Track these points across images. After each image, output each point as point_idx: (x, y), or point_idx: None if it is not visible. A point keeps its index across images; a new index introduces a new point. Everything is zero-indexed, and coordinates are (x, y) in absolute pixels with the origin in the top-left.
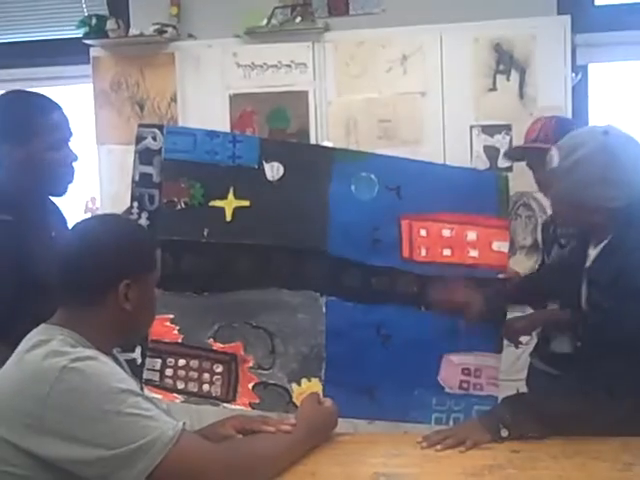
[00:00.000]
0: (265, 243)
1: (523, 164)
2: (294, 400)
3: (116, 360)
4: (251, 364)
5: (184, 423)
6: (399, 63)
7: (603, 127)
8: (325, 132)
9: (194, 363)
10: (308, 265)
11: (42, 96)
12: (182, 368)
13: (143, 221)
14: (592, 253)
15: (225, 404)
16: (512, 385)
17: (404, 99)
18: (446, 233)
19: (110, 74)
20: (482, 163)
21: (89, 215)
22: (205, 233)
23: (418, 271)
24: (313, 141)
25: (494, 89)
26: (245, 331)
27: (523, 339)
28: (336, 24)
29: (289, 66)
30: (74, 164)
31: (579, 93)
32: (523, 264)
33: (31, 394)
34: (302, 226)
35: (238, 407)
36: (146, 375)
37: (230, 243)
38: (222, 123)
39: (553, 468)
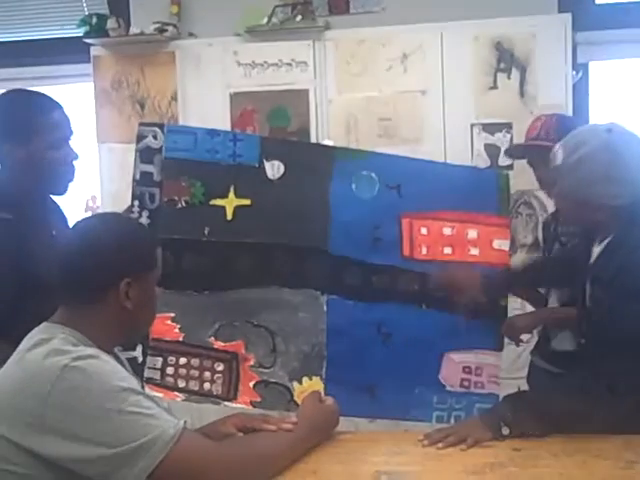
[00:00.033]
0: (266, 242)
1: (524, 162)
2: (295, 399)
3: (117, 358)
4: (252, 362)
5: (185, 422)
6: (399, 61)
7: (607, 125)
8: (325, 130)
9: (195, 362)
10: (309, 263)
11: (43, 95)
12: (183, 366)
13: (144, 220)
14: (596, 250)
15: (226, 402)
16: (513, 383)
17: (404, 97)
18: (447, 231)
19: (111, 73)
20: (483, 161)
21: (90, 214)
22: (206, 232)
23: (419, 269)
24: (313, 139)
25: (495, 87)
26: (246, 330)
27: (524, 337)
28: (336, 22)
29: (290, 64)
30: (75, 163)
31: (580, 91)
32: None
33: (32, 393)
34: (303, 225)
35: (239, 405)
36: (147, 374)
37: (231, 242)
38: (223, 122)
39: (554, 466)
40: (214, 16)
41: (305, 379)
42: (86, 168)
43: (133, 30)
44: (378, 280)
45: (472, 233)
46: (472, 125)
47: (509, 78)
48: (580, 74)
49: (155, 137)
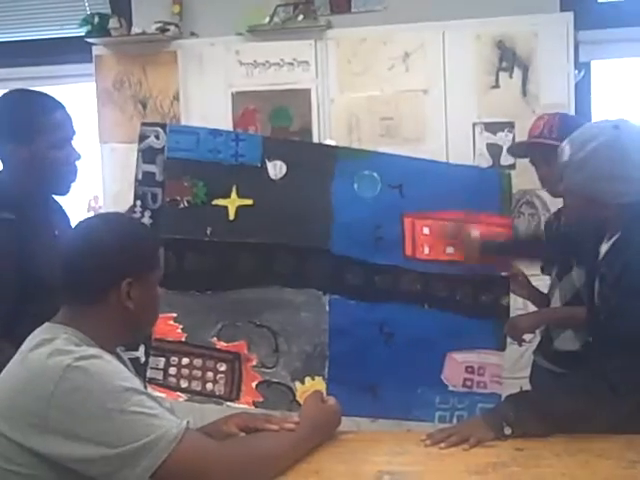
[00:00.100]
0: (268, 241)
1: (526, 162)
2: (297, 399)
3: (120, 358)
4: (255, 363)
5: (188, 422)
6: (401, 60)
7: (615, 121)
8: (327, 130)
9: (197, 362)
10: (311, 263)
11: (45, 95)
12: (186, 367)
13: (146, 220)
14: (604, 248)
15: (229, 403)
16: (515, 383)
17: (406, 97)
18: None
19: (113, 73)
20: (485, 161)
21: (92, 214)
22: (208, 232)
23: (421, 269)
24: (316, 139)
25: (497, 86)
26: (248, 330)
27: (526, 337)
28: (338, 21)
29: (291, 64)
30: (77, 163)
31: (582, 90)
32: None
33: (35, 393)
34: (305, 224)
35: (242, 406)
36: (150, 374)
37: (233, 242)
38: (224, 121)
39: (556, 466)
40: (216, 16)
41: (307, 379)
42: (88, 168)
43: (135, 30)
44: (380, 280)
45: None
46: (474, 124)
47: (511, 77)
48: (582, 73)
49: (157, 137)
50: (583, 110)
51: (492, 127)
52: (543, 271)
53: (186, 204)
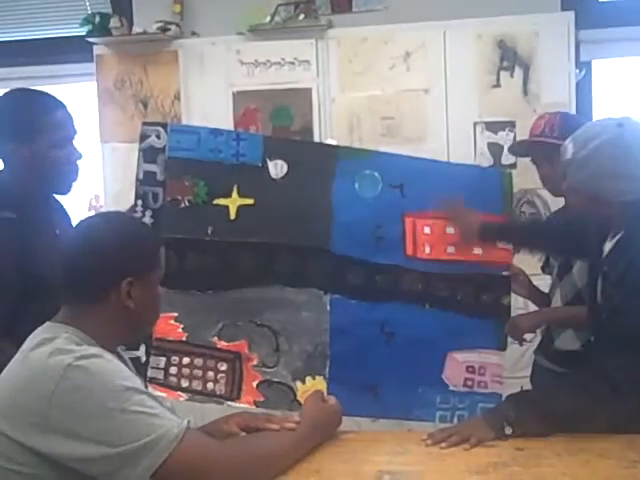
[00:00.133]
0: (269, 241)
1: (527, 161)
2: (298, 398)
3: (121, 358)
4: (255, 362)
5: (189, 421)
6: (402, 60)
7: (618, 119)
8: (328, 129)
9: (198, 361)
10: (312, 263)
11: (46, 94)
12: (186, 366)
13: (147, 219)
14: (607, 246)
15: (229, 402)
16: (516, 383)
17: (407, 96)
18: (450, 230)
19: (114, 72)
20: (486, 160)
21: (93, 213)
22: (209, 231)
23: (422, 268)
24: (317, 138)
25: (498, 86)
26: (249, 329)
27: (527, 337)
28: (339, 21)
29: (292, 63)
30: (78, 162)
31: (583, 89)
32: (527, 261)
33: (36, 392)
34: (306, 224)
35: (242, 405)
36: (150, 373)
37: (234, 241)
38: (225, 121)
39: (557, 466)
40: (217, 15)
41: (308, 379)
42: (89, 167)
43: (136, 29)
44: (381, 279)
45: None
46: (475, 124)
47: (512, 76)
48: (583, 72)
49: (158, 136)
50: (584, 109)
51: (493, 126)
52: (544, 271)
53: (187, 203)
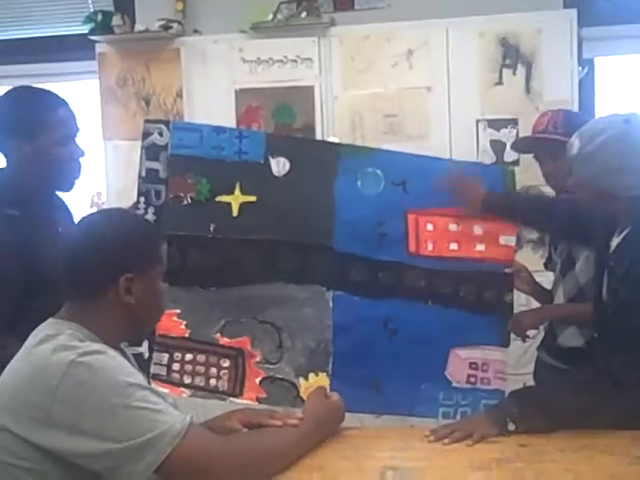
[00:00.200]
0: (271, 238)
1: (530, 158)
2: (301, 395)
3: (124, 354)
4: (258, 359)
5: (192, 417)
6: (405, 58)
7: (625, 115)
8: (331, 127)
9: (201, 358)
10: (314, 260)
11: (48, 92)
12: (189, 363)
13: (149, 216)
14: (614, 242)
15: (232, 398)
16: (519, 379)
17: (410, 94)
18: (453, 227)
19: (116, 70)
20: (488, 157)
21: (95, 210)
22: (211, 228)
23: (425, 265)
24: (319, 136)
25: (500, 83)
26: (252, 326)
27: (530, 333)
28: (341, 19)
29: (295, 61)
30: (81, 160)
31: (585, 87)
32: (529, 258)
33: (39, 388)
34: (308, 221)
35: (245, 401)
36: (153, 369)
37: (236, 238)
38: (228, 118)
39: (560, 462)
40: (219, 13)
41: (311, 375)
42: (92, 165)
43: (138, 27)
44: (384, 276)
45: (478, 229)
46: (477, 121)
47: (515, 74)
48: (586, 70)
49: (161, 134)
50: (587, 107)
51: (495, 124)
52: (547, 267)
53: (189, 201)
